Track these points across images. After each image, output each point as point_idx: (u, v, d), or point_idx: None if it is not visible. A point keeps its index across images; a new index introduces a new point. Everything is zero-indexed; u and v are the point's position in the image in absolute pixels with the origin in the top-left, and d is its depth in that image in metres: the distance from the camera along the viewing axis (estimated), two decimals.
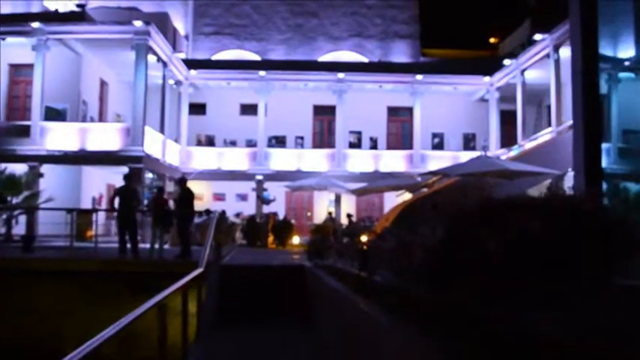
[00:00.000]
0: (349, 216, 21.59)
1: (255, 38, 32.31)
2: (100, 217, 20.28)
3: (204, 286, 9.73)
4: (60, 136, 20.20)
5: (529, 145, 22.65)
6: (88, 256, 13.09)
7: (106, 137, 20.31)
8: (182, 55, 25.13)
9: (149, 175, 22.10)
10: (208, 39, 32.14)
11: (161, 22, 24.23)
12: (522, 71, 24.20)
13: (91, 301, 10.80)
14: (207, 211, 16.31)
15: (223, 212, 21.34)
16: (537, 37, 21.38)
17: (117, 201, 13.24)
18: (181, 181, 14.39)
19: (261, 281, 10.35)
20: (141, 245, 13.88)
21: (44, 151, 19.90)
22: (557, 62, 21.19)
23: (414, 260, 4.28)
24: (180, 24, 31.23)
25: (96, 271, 11.98)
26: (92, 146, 20.08)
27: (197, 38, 32.08)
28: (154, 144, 21.69)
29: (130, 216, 13.09)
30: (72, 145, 20.07)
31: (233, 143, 27.76)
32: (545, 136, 22.08)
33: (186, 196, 13.85)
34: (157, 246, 13.57)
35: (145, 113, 20.32)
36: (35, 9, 24.41)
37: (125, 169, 19.07)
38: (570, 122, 20.70)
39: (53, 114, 20.76)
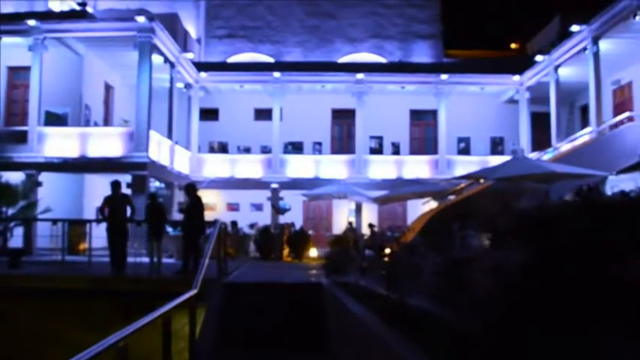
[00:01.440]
0: (371, 226, 20.07)
1: (270, 41, 31.02)
2: (102, 228, 19.00)
3: (202, 308, 8.36)
4: (59, 142, 18.85)
5: (565, 147, 20.92)
6: (77, 273, 11.74)
7: (107, 143, 18.89)
8: (191, 56, 23.74)
9: (156, 184, 20.72)
10: (221, 42, 30.93)
11: (170, 23, 22.92)
12: (556, 68, 22.50)
13: (78, 323, 9.63)
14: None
15: (234, 223, 20.08)
16: (574, 28, 19.66)
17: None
18: (189, 188, 12.88)
19: (270, 303, 8.85)
20: (138, 259, 12.53)
21: (42, 158, 18.56)
22: (596, 55, 19.50)
23: (479, 287, 3.07)
24: (192, 27, 30.08)
25: (85, 290, 10.70)
26: (93, 152, 18.70)
27: (209, 42, 30.89)
28: (160, 150, 20.31)
29: (121, 227, 11.68)
30: (72, 152, 18.70)
31: (247, 150, 26.40)
32: (583, 137, 20.35)
33: (195, 205, 12.43)
34: (155, 259, 12.24)
35: (150, 117, 18.86)
36: (39, 10, 23.21)
37: (128, 178, 17.80)
38: (612, 121, 19.18)
39: (53, 119, 19.45)
